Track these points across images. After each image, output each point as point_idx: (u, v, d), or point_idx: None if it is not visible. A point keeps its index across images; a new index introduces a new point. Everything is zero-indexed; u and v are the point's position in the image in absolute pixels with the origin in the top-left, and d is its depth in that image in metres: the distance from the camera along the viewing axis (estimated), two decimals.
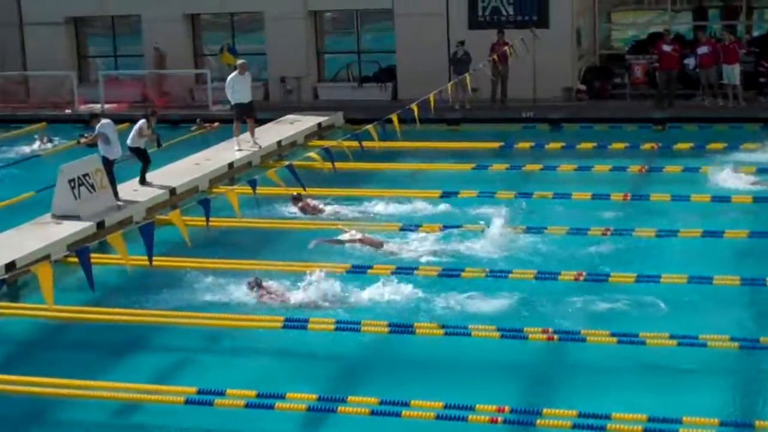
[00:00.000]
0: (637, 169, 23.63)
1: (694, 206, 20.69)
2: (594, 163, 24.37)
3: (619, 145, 26.29)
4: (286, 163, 18.70)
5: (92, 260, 12.99)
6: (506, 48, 29.54)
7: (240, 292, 16.27)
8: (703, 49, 30.28)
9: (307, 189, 18.98)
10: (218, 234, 19.31)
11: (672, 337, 13.76)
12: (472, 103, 31.01)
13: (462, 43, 30.88)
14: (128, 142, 22.24)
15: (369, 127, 21.11)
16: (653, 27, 35.11)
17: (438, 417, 11.83)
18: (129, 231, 14.26)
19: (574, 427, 11.57)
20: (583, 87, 32.14)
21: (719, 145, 25.68)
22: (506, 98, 31.36)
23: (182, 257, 17.81)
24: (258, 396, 12.46)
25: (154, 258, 13.75)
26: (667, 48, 30.43)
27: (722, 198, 20.94)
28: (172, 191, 22.36)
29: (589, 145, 26.45)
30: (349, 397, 12.39)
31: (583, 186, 22.30)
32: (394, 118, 22.16)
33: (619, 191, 21.67)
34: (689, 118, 29.22)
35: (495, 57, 29.36)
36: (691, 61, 31.59)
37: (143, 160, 22.49)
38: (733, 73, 29.90)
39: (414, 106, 22.51)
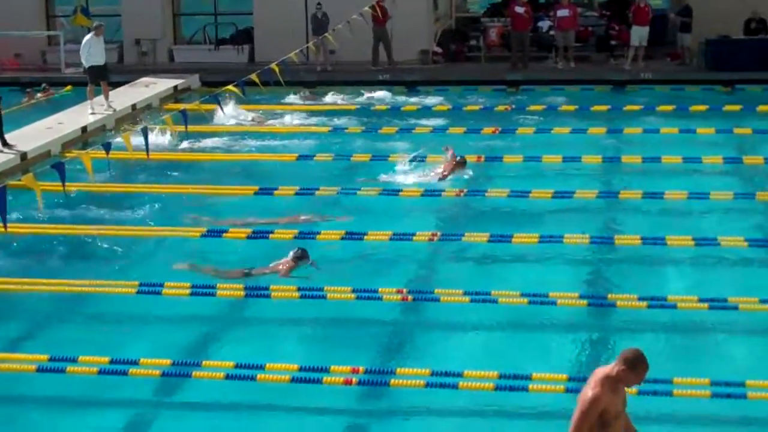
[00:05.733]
0: (491, 131, 23.97)
1: (546, 167, 21.11)
2: (449, 126, 24.67)
3: (473, 108, 26.65)
4: (141, 126, 18.46)
5: None
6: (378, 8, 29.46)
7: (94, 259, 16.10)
8: (563, 12, 30.61)
9: (150, 155, 18.50)
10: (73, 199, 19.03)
11: (523, 295, 14.06)
12: (333, 65, 31.01)
13: (320, 4, 30.78)
14: None
15: (229, 87, 21.00)
16: None
17: (293, 380, 11.88)
18: None
19: (427, 386, 11.75)
20: (439, 50, 32.39)
21: (571, 108, 26.30)
22: (392, 59, 31.28)
23: (35, 224, 17.57)
24: (111, 362, 12.33)
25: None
26: (519, 10, 30.80)
27: (574, 159, 21.35)
28: (23, 156, 21.86)
29: (444, 108, 26.76)
30: (204, 362, 12.39)
31: (438, 149, 22.59)
32: (255, 78, 22.04)
33: (473, 153, 21.99)
34: (542, 81, 29.72)
35: (373, 16, 29.34)
36: (545, 24, 32.11)
37: None
38: (642, 34, 30.33)
39: (275, 66, 22.42)
